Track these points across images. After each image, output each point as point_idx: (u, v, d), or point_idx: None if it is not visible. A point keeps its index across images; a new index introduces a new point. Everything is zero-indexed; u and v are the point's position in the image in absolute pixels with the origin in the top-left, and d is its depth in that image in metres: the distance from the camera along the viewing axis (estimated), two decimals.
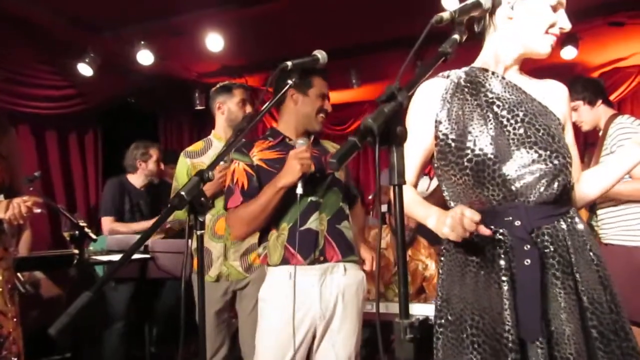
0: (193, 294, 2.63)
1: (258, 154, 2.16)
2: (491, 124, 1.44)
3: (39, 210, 2.25)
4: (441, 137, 1.49)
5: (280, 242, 2.08)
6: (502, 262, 1.37)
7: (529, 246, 1.36)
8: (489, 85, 1.50)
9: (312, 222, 2.08)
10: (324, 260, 2.08)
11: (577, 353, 1.32)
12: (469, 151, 1.43)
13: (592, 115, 2.81)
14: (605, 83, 3.56)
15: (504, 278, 1.35)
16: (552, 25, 1.49)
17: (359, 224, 2.40)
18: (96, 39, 4.80)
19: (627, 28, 4.83)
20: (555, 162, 1.42)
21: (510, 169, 1.41)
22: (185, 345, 1.48)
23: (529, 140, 1.42)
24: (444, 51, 1.19)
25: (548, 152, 1.42)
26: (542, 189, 1.40)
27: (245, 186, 2.10)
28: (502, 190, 1.41)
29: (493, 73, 1.53)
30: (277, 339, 2.05)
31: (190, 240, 2.20)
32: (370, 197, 4.34)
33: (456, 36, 1.22)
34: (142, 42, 4.84)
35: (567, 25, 1.50)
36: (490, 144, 1.42)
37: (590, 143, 3.57)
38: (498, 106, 1.46)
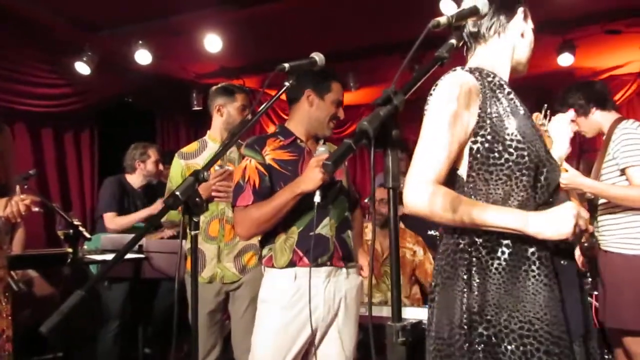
0: (186, 295, 2.63)
1: (270, 153, 2.13)
2: (533, 126, 1.44)
3: (37, 209, 2.24)
4: (490, 132, 1.37)
5: (289, 245, 2.07)
6: (549, 264, 1.36)
7: (564, 246, 1.39)
8: (508, 88, 1.47)
9: (323, 228, 2.09)
10: (329, 265, 2.09)
11: (595, 348, 1.43)
12: (530, 150, 1.37)
13: (589, 123, 2.80)
14: None
15: (556, 280, 1.35)
16: None
17: (357, 228, 2.40)
18: (94, 38, 4.80)
19: (624, 36, 4.85)
20: (559, 170, 1.46)
21: (549, 173, 1.41)
22: (178, 346, 1.48)
23: (545, 148, 1.44)
24: (440, 55, 1.19)
25: (557, 161, 1.47)
26: (558, 196, 1.44)
27: (257, 185, 2.08)
28: (546, 193, 1.40)
29: (501, 79, 1.49)
30: (276, 340, 2.05)
31: (184, 241, 2.20)
32: (366, 201, 4.33)
33: (453, 41, 1.23)
34: (140, 42, 4.84)
35: None
36: (540, 146, 1.40)
37: (584, 150, 3.56)
38: (526, 110, 1.46)
